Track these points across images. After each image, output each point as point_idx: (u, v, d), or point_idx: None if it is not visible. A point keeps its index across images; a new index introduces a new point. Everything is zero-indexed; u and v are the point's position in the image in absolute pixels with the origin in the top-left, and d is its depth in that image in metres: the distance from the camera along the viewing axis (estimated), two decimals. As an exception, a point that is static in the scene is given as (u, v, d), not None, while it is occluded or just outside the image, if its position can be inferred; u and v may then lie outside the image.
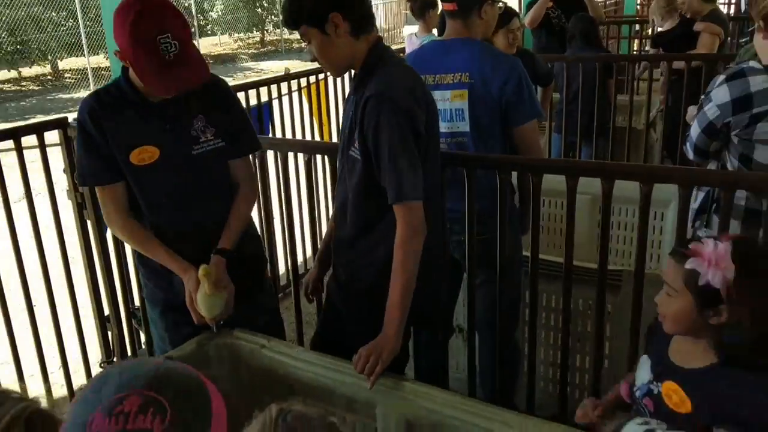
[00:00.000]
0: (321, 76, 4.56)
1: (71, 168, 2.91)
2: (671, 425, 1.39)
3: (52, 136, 2.91)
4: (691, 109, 3.44)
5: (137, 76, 1.92)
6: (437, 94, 2.44)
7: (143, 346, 3.19)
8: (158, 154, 2.05)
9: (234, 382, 2.20)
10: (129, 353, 3.22)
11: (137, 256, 2.26)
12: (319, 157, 3.44)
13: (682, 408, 1.48)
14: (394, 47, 3.04)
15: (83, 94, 14.22)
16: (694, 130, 2.50)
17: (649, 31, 8.27)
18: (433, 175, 2.06)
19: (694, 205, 2.61)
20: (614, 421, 1.20)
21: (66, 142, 2.92)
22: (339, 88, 4.67)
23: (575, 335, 2.78)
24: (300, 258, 3.87)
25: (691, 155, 2.55)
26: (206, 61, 2.01)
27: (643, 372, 1.65)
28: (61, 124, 2.91)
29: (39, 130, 2.86)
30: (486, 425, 1.77)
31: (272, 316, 2.45)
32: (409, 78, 1.97)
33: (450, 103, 2.44)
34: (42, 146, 2.85)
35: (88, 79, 14.42)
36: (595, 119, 4.55)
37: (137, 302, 3.13)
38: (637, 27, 8.19)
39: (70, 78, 15.28)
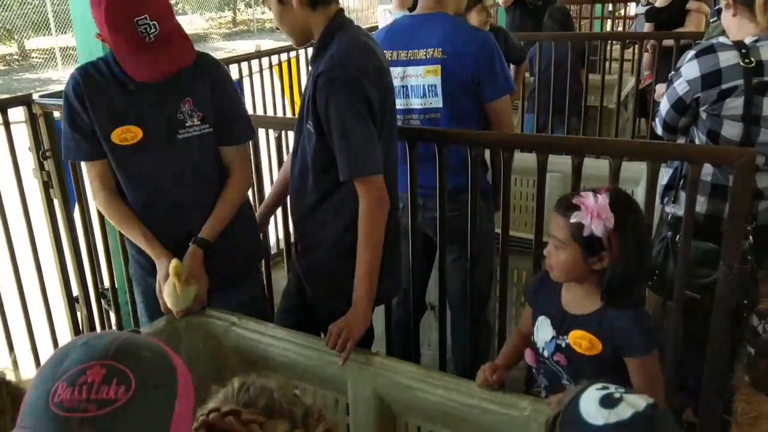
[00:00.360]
0: (293, 54, 4.51)
1: (36, 146, 2.86)
2: (587, 368, 1.63)
3: (16, 114, 2.85)
4: (660, 87, 3.47)
5: (118, 59, 1.87)
6: (410, 70, 2.43)
7: (113, 327, 3.16)
8: (141, 135, 1.99)
9: (205, 360, 2.18)
10: (99, 334, 3.18)
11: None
12: (290, 133, 3.40)
13: (594, 350, 1.64)
14: (366, 27, 3.01)
15: (51, 74, 13.97)
16: (664, 106, 2.53)
17: (622, 11, 8.33)
18: (389, 150, 2.05)
19: (663, 181, 2.64)
20: (570, 391, 1.21)
21: (31, 120, 2.85)
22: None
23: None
24: (272, 236, 3.83)
25: (659, 131, 2.57)
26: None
27: (544, 332, 1.75)
28: (25, 102, 2.85)
29: (3, 107, 2.79)
30: (457, 398, 1.78)
31: (255, 307, 2.37)
32: (364, 54, 1.94)
33: (423, 79, 2.43)
34: (6, 124, 2.79)
35: (56, 59, 14.14)
36: (567, 99, 4.57)
37: (107, 283, 3.09)
38: (611, 7, 8.20)
39: (37, 57, 14.98)
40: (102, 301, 3.15)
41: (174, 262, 1.94)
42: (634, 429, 1.08)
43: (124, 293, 2.99)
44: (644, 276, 1.65)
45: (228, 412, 1.01)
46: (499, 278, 2.41)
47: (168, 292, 1.98)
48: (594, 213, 1.53)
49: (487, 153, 2.72)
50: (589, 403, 1.13)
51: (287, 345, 2.04)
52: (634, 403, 1.11)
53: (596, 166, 2.84)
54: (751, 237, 2.26)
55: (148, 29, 1.77)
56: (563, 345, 1.71)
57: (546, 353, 1.76)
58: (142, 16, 1.75)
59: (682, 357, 2.53)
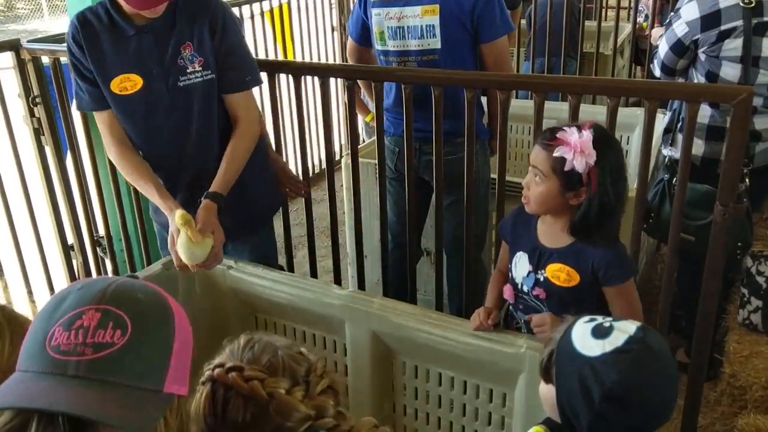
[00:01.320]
0: (284, 0, 4.43)
1: (26, 92, 2.81)
2: (566, 299, 1.69)
3: (4, 61, 2.80)
4: (656, 31, 3.44)
5: None
6: (407, 10, 2.38)
7: (110, 274, 3.16)
8: (141, 83, 1.92)
9: (203, 305, 2.20)
10: (95, 282, 3.18)
11: None
12: (282, 76, 3.35)
13: (572, 282, 1.68)
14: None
15: (37, 25, 13.69)
16: (662, 48, 2.50)
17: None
18: None
19: (661, 125, 2.63)
20: (561, 325, 1.22)
21: (20, 66, 2.80)
22: (303, 12, 4.55)
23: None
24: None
25: (658, 72, 2.55)
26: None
27: (521, 267, 1.78)
28: (13, 47, 2.79)
29: (-10, 53, 2.74)
30: (454, 337, 1.80)
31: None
32: None
33: (420, 19, 2.38)
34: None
35: (42, 10, 13.85)
36: (563, 45, 4.51)
37: (102, 230, 3.08)
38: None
39: (23, 9, 14.66)
40: (97, 248, 3.15)
41: (179, 211, 1.81)
42: (631, 353, 1.10)
43: (120, 241, 2.98)
44: (619, 211, 1.65)
45: (232, 368, 1.03)
46: (494, 223, 2.41)
47: (180, 244, 1.85)
48: (578, 149, 1.54)
49: (484, 99, 2.70)
50: (582, 336, 1.15)
51: (284, 288, 2.05)
52: (625, 328, 1.14)
53: (592, 112, 2.82)
54: (747, 179, 2.26)
55: None
56: (541, 279, 1.74)
57: (525, 288, 1.79)
58: None
59: (676, 298, 2.56)
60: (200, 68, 1.94)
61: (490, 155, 2.63)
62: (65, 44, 1.98)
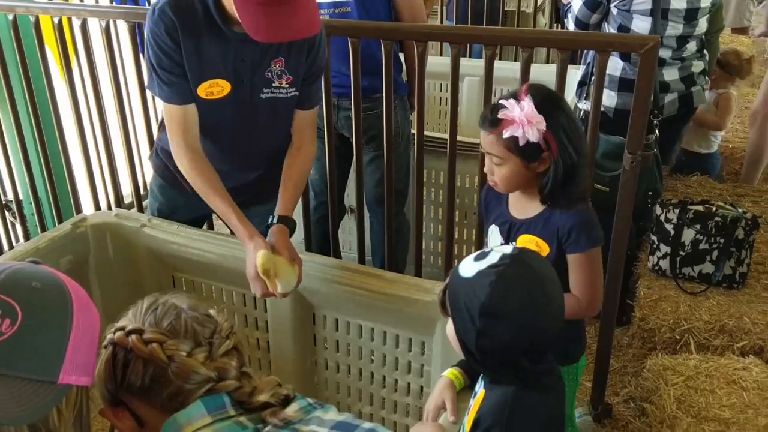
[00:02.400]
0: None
1: None
2: None
3: None
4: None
5: (234, 7, 1.56)
6: (319, -37, 2.33)
7: (21, 240, 3.03)
8: (229, 89, 1.78)
9: (118, 266, 2.14)
10: (5, 248, 3.06)
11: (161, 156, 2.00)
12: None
13: (542, 252, 1.60)
14: None
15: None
16: (576, 3, 2.54)
17: None
18: None
19: (575, 80, 2.69)
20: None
21: None
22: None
23: (461, 209, 2.86)
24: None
25: (572, 27, 2.59)
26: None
27: (494, 241, 1.75)
28: None
29: None
30: (372, 288, 1.81)
31: None
32: None
33: (333, -29, 2.34)
34: None
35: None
36: (486, 4, 4.53)
37: (10, 194, 2.95)
38: None
39: None
40: (6, 213, 3.01)
41: (261, 258, 1.66)
42: (501, 266, 1.18)
43: (30, 204, 2.86)
44: (584, 167, 1.60)
45: (131, 330, 1.01)
46: (415, 178, 2.41)
47: (279, 276, 1.69)
48: (524, 121, 1.47)
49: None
50: (465, 263, 1.24)
51: (201, 245, 2.01)
52: (503, 249, 1.23)
53: (512, 69, 2.84)
54: (657, 131, 2.33)
55: None
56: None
57: None
58: None
59: None
60: (286, 85, 1.83)
61: (411, 111, 2.62)
62: (151, 26, 1.73)
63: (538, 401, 1.25)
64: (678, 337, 2.39)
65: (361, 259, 2.45)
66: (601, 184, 2.36)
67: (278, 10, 1.53)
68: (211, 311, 1.10)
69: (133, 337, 0.99)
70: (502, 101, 1.52)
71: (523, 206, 1.67)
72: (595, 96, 1.85)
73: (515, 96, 1.51)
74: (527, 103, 1.47)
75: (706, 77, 2.77)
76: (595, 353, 2.21)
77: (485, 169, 1.64)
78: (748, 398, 1.98)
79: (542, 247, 1.62)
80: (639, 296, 2.52)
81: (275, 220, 1.80)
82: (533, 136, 1.48)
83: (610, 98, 2.51)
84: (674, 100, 2.61)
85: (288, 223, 1.82)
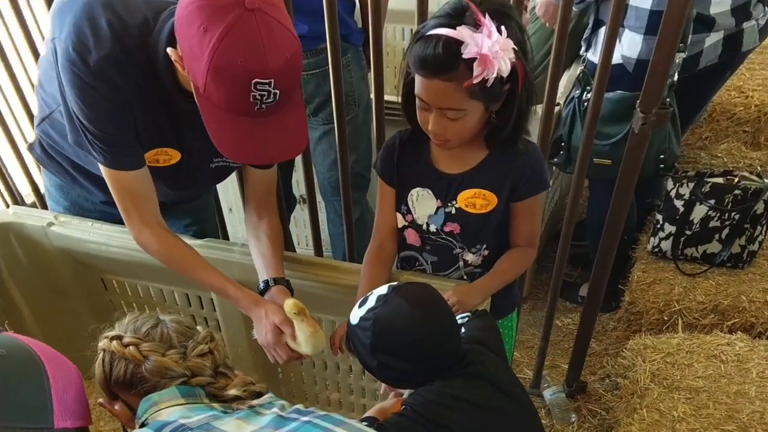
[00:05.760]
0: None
1: None
2: (481, 229, 1.47)
3: None
4: None
5: (204, 119, 1.28)
6: None
7: None
8: (177, 159, 1.54)
9: (30, 268, 1.86)
10: None
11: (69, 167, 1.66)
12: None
13: (489, 206, 1.43)
14: None
15: None
16: None
17: None
18: None
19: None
20: None
21: None
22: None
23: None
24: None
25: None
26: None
27: (424, 205, 1.49)
28: None
29: None
30: (322, 279, 1.66)
31: None
32: None
33: None
34: None
35: None
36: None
37: None
38: None
39: None
40: None
41: (291, 301, 1.45)
42: (376, 308, 1.18)
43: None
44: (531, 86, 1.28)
45: (114, 336, 1.14)
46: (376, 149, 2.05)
47: (304, 338, 1.47)
48: (498, 53, 1.14)
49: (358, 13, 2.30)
50: (353, 310, 1.24)
51: (120, 243, 1.71)
52: (379, 291, 1.22)
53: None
54: (676, 75, 1.89)
55: (265, 97, 1.22)
56: (453, 212, 1.45)
57: (433, 227, 1.49)
58: (267, 81, 1.20)
59: (592, 231, 2.32)
60: None
61: (368, 70, 2.12)
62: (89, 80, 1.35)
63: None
64: (666, 318, 2.16)
65: (318, 254, 2.13)
66: (599, 157, 2.03)
67: (252, 126, 1.27)
68: (198, 327, 1.19)
69: (115, 342, 1.12)
70: (453, 33, 1.15)
71: (459, 157, 1.41)
72: (608, 35, 1.41)
73: (465, 18, 1.16)
74: (489, 28, 1.14)
75: (766, 6, 2.03)
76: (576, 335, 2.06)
77: (431, 128, 1.29)
78: (725, 369, 1.84)
79: (490, 200, 1.43)
80: (632, 280, 2.25)
81: (272, 283, 1.57)
82: (506, 68, 1.16)
83: (632, 45, 1.95)
84: (718, 42, 1.99)
85: (287, 284, 1.59)
